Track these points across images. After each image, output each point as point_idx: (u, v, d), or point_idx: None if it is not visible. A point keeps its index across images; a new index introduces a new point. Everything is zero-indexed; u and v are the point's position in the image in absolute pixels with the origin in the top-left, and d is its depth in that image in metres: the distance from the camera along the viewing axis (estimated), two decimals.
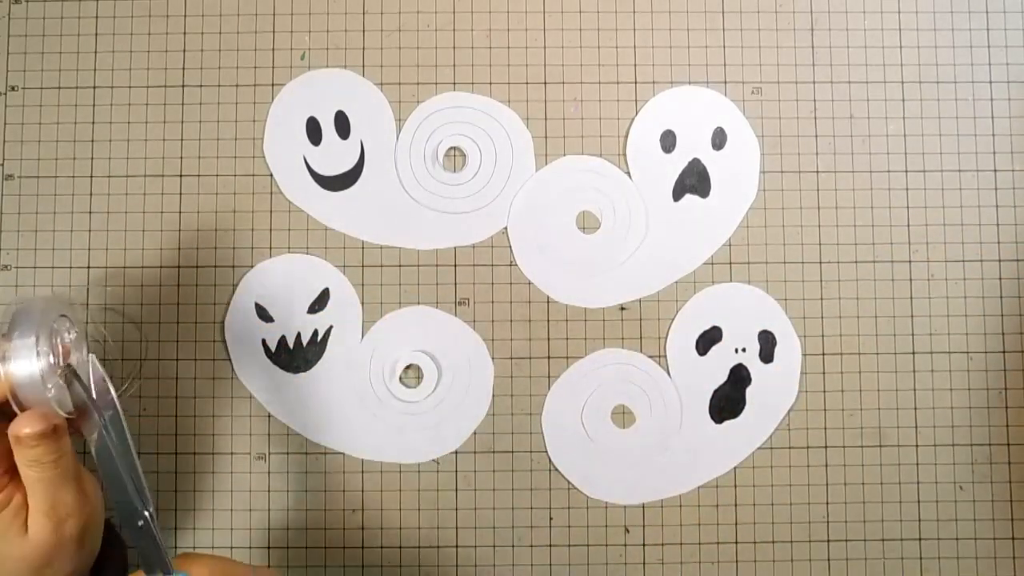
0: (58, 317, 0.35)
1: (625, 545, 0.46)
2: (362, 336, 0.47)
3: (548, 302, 0.47)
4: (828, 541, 0.47)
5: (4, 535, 0.33)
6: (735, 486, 0.47)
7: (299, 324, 0.47)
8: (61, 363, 0.34)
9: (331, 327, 0.47)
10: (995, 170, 0.48)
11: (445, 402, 0.47)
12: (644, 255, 0.48)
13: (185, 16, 0.48)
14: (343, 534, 0.46)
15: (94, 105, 0.48)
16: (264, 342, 0.47)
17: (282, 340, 0.47)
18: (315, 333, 0.47)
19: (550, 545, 0.46)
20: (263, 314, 0.47)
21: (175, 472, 0.46)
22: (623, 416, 0.47)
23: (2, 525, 0.33)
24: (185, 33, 0.48)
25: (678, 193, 0.48)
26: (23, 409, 0.33)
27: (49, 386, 0.33)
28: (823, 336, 0.47)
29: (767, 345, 0.47)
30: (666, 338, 0.47)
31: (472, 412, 0.47)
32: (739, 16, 0.49)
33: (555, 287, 0.48)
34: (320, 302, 0.47)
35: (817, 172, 0.48)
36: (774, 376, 0.47)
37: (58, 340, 0.34)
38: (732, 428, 0.47)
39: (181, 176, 0.48)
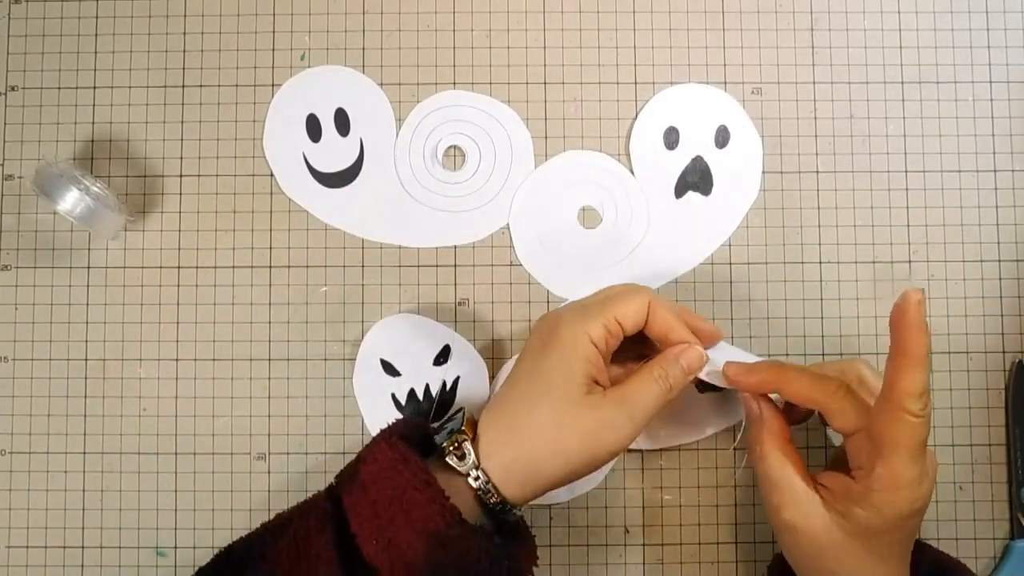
0: None
1: (625, 545, 0.46)
2: (362, 335, 0.47)
3: (548, 302, 0.47)
4: None
5: None
6: (735, 486, 0.47)
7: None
8: None
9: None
10: (995, 170, 0.48)
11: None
12: (645, 252, 0.48)
13: (185, 16, 0.48)
14: None
15: (94, 105, 0.48)
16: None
17: None
18: None
19: (550, 545, 0.46)
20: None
21: (175, 472, 0.46)
22: None
23: None
24: (185, 33, 0.48)
25: (680, 190, 0.48)
26: None
27: None
28: (823, 336, 0.47)
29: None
30: None
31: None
32: (739, 16, 0.49)
33: (556, 283, 0.47)
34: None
35: (817, 172, 0.48)
36: None
37: None
38: None
39: (181, 176, 0.48)
